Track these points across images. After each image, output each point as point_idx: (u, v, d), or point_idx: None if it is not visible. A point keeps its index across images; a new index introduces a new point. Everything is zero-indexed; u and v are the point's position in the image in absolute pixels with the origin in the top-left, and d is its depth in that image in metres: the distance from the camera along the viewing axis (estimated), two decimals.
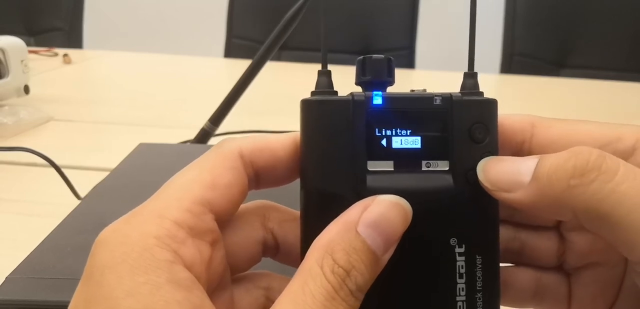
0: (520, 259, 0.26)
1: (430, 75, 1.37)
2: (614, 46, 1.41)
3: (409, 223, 0.21)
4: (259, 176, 0.23)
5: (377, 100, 0.22)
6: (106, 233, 0.20)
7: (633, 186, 0.18)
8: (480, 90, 0.23)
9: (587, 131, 0.23)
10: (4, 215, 0.50)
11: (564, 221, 0.25)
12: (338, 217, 0.20)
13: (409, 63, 1.48)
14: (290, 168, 0.23)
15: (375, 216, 0.20)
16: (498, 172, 0.21)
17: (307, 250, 0.21)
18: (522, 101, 1.06)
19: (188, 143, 0.64)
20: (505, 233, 0.25)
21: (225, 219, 0.22)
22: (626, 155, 0.22)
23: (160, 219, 0.20)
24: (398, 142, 0.22)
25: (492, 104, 0.23)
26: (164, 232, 0.19)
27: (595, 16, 1.41)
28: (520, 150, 0.23)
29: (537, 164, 0.20)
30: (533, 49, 1.44)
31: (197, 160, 0.22)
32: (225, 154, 0.22)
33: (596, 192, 0.18)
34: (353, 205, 0.20)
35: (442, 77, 1.26)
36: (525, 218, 0.25)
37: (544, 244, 0.25)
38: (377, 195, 0.21)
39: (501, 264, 0.23)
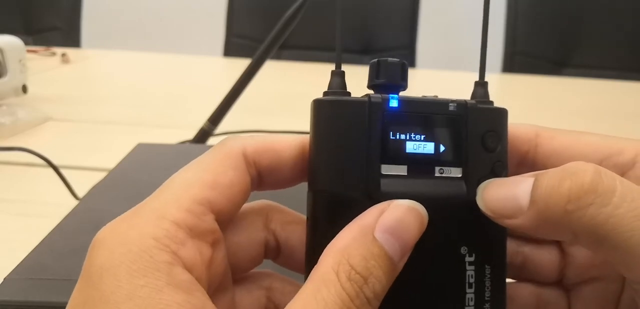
0: (522, 273, 0.25)
1: (431, 75, 1.37)
2: (616, 45, 1.41)
3: (424, 229, 0.20)
4: (262, 176, 0.22)
5: (394, 103, 0.22)
6: (104, 232, 0.19)
7: (631, 208, 0.18)
8: (490, 99, 0.23)
9: (589, 143, 0.23)
10: (2, 215, 0.50)
11: None
12: (353, 222, 0.20)
13: (410, 62, 1.47)
14: (294, 171, 0.22)
15: (393, 221, 0.19)
16: (497, 199, 0.21)
17: (313, 255, 0.20)
18: (524, 100, 1.05)
19: (187, 143, 0.64)
20: (508, 247, 0.25)
21: (227, 219, 0.22)
22: (626, 168, 0.22)
23: (159, 220, 0.19)
24: (412, 147, 0.22)
25: (503, 113, 0.23)
26: (163, 233, 0.19)
27: (596, 15, 1.41)
28: (524, 160, 0.24)
29: (532, 187, 0.19)
30: (535, 47, 1.44)
31: (198, 158, 0.22)
32: (228, 152, 0.22)
33: (594, 216, 0.18)
34: (368, 210, 0.20)
35: (443, 76, 1.26)
36: (527, 232, 0.25)
37: (545, 258, 0.25)
38: (392, 200, 0.20)
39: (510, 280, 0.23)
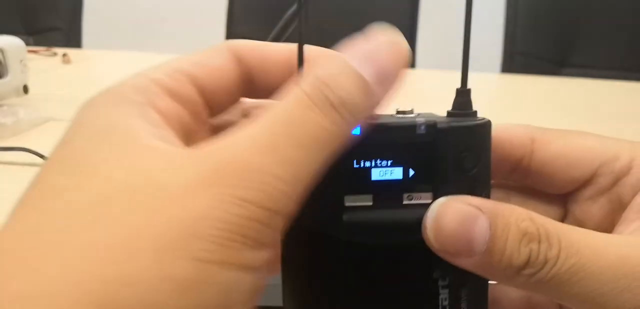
0: None
1: (431, 75, 1.36)
2: (615, 45, 1.41)
3: (405, 60, 0.20)
4: (252, 77, 0.22)
5: (355, 130, 0.21)
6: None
7: (571, 264, 0.19)
8: (474, 109, 0.21)
9: (584, 148, 0.23)
10: (3, 216, 0.49)
11: None
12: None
13: (410, 62, 1.47)
14: (284, 76, 0.22)
15: (365, 49, 0.19)
16: (449, 232, 0.19)
17: (284, 291, 0.21)
18: (524, 100, 1.05)
19: None
20: None
21: (216, 103, 0.22)
22: (622, 174, 0.22)
23: (138, 77, 0.20)
24: (377, 174, 0.21)
25: (483, 128, 0.21)
26: (140, 83, 0.20)
27: (596, 15, 1.41)
28: (518, 166, 0.23)
29: (490, 240, 0.19)
30: (534, 47, 1.43)
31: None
32: (216, 46, 0.22)
33: (541, 278, 0.19)
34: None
35: (443, 76, 1.26)
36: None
37: None
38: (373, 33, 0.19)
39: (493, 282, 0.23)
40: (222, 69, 0.22)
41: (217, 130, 0.23)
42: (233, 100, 0.23)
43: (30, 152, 0.56)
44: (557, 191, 0.24)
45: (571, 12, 1.43)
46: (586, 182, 0.23)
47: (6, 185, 0.56)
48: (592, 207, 0.23)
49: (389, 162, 0.21)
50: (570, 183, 0.23)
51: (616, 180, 0.22)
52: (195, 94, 0.21)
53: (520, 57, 1.42)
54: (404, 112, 0.22)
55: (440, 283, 0.21)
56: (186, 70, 0.21)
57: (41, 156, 0.55)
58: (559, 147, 0.23)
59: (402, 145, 0.21)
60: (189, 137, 0.21)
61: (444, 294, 0.21)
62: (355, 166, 0.21)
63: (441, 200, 0.20)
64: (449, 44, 2.25)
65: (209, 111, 0.22)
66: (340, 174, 0.20)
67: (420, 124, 0.21)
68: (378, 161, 0.21)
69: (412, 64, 1.50)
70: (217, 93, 0.22)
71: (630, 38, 1.40)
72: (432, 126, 0.21)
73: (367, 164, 0.21)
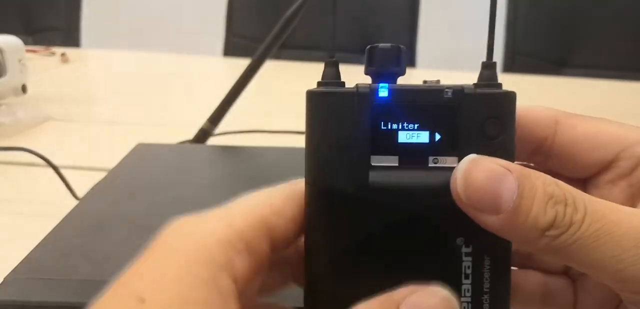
0: (528, 263, 0.26)
1: (431, 75, 1.36)
2: (616, 45, 1.41)
3: None
4: None
5: (383, 92, 0.21)
6: (180, 219, 0.20)
7: (595, 229, 0.19)
8: (499, 82, 0.22)
9: (607, 133, 0.23)
10: (2, 215, 0.49)
11: None
12: (384, 294, 0.20)
13: (410, 62, 1.47)
14: None
15: (420, 302, 0.19)
16: (478, 187, 0.19)
17: (307, 248, 0.20)
18: (524, 100, 1.05)
19: (187, 143, 0.64)
20: None
21: (278, 249, 0.22)
22: None
23: (225, 225, 0.20)
24: (404, 137, 0.21)
25: (508, 97, 0.21)
26: (225, 236, 0.20)
27: (597, 15, 1.41)
28: (540, 147, 0.24)
29: (518, 196, 0.19)
30: (535, 47, 1.43)
31: (276, 187, 0.22)
32: (293, 187, 0.22)
33: (564, 241, 0.19)
34: (403, 287, 0.20)
35: (443, 76, 1.26)
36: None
37: None
38: (431, 284, 0.20)
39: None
40: (294, 220, 0.21)
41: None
42: (293, 242, 0.23)
43: (29, 151, 0.56)
44: (578, 174, 0.24)
45: (572, 13, 1.43)
46: (607, 165, 0.23)
47: (5, 184, 0.56)
48: (613, 190, 0.23)
49: (416, 126, 0.21)
50: (592, 166, 0.23)
51: (637, 164, 0.22)
52: (268, 248, 0.21)
53: (520, 57, 1.42)
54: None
55: (464, 249, 0.21)
56: (266, 220, 0.21)
57: (40, 156, 0.55)
58: (582, 130, 0.23)
59: (429, 109, 0.21)
60: (250, 286, 0.21)
61: (467, 262, 0.21)
62: (382, 127, 0.21)
63: (471, 156, 0.20)
64: (449, 44, 2.25)
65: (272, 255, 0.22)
66: (367, 135, 0.21)
67: (448, 89, 0.21)
68: (405, 124, 0.21)
69: (412, 64, 1.50)
70: (284, 242, 0.22)
71: (631, 38, 1.40)
72: (459, 91, 0.21)
73: (394, 126, 0.21)
